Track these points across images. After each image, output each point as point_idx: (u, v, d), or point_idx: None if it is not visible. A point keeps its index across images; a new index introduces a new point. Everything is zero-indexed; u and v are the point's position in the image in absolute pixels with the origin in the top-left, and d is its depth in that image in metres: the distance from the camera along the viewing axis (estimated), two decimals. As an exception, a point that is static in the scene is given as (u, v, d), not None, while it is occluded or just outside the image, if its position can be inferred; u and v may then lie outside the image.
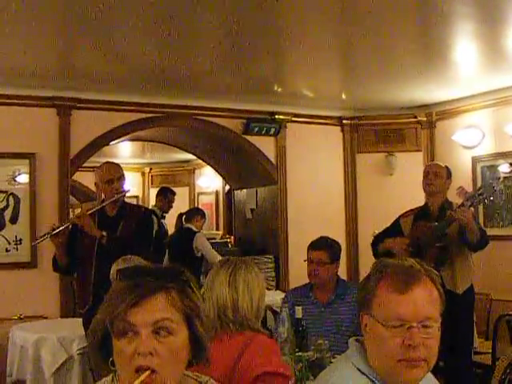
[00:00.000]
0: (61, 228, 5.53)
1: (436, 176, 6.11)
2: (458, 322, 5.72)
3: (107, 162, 6.09)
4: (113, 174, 5.78)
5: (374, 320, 2.17)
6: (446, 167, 6.30)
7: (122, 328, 1.84)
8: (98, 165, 5.98)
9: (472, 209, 5.66)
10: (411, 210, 6.30)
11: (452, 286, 5.77)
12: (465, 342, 5.84)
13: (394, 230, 6.21)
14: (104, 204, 5.70)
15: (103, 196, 5.84)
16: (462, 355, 5.75)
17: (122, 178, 5.83)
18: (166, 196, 9.99)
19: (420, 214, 6.14)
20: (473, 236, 5.62)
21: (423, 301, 2.13)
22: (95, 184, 5.95)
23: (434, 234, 5.80)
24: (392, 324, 2.11)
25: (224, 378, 3.04)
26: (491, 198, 5.80)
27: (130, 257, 4.84)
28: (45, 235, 5.59)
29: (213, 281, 3.39)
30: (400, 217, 6.29)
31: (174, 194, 10.13)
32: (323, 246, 5.14)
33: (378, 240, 6.37)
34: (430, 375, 2.34)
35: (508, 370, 3.84)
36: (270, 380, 3.04)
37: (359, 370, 2.20)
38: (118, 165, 6.01)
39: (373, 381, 2.18)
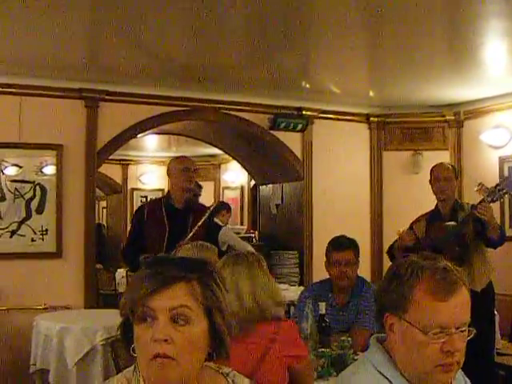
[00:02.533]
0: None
1: (447, 181, 6.10)
2: (478, 321, 5.67)
3: (182, 155, 6.72)
4: (190, 164, 6.27)
5: (407, 324, 2.14)
6: (453, 167, 6.30)
7: (142, 313, 1.87)
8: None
9: (492, 205, 5.60)
10: (422, 215, 6.27)
11: (471, 285, 5.71)
12: (486, 341, 5.76)
13: None
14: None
15: (176, 184, 6.23)
16: (483, 354, 5.66)
17: (196, 170, 6.39)
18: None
19: (432, 218, 6.12)
20: (495, 232, 5.60)
21: (462, 307, 2.14)
22: (168, 173, 6.40)
23: (452, 234, 5.75)
24: (433, 331, 2.09)
25: (257, 362, 3.31)
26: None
27: (202, 243, 4.84)
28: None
29: (236, 280, 3.49)
30: (412, 224, 6.28)
31: (200, 187, 10.12)
32: (349, 246, 4.99)
33: (391, 246, 6.36)
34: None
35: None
36: (302, 361, 3.48)
37: (380, 373, 2.18)
38: (193, 160, 6.53)
39: (392, 382, 2.16)
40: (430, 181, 6.23)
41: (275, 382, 3.38)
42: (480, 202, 5.60)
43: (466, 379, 2.46)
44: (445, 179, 6.11)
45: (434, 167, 6.35)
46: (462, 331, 2.11)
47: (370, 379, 2.17)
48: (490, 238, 5.65)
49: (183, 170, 6.15)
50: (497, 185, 5.62)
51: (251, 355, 3.31)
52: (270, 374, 3.35)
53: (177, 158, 6.47)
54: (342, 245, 5.01)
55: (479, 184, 5.91)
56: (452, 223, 5.82)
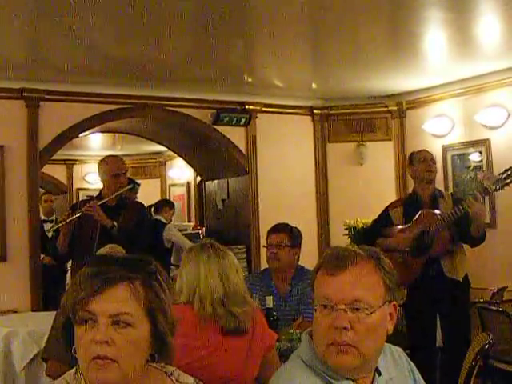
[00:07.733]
0: (74, 217, 5.98)
1: (434, 162, 6.03)
2: (460, 308, 5.76)
3: (112, 156, 6.66)
4: (120, 169, 6.28)
5: (314, 304, 2.19)
6: None
7: (83, 316, 1.85)
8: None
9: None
10: (398, 200, 6.23)
11: (453, 274, 5.76)
12: (466, 327, 5.84)
13: (384, 221, 6.11)
14: (112, 197, 6.17)
15: (108, 188, 6.27)
16: (463, 340, 5.66)
17: (126, 172, 6.38)
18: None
19: (410, 203, 6.05)
20: (477, 231, 5.63)
21: (354, 283, 2.12)
22: (99, 174, 6.46)
23: (448, 224, 5.68)
24: (320, 303, 2.13)
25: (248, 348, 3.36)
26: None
27: (116, 246, 4.89)
28: (61, 222, 6.01)
29: (205, 275, 3.44)
30: (388, 208, 6.20)
31: (137, 184, 10.05)
32: (283, 229, 5.13)
33: (370, 233, 6.34)
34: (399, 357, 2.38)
35: (478, 357, 3.86)
36: (272, 349, 3.56)
37: (305, 364, 2.19)
38: (122, 159, 6.54)
39: (316, 371, 2.16)
40: (412, 164, 6.09)
41: (254, 374, 3.39)
42: (484, 190, 5.58)
43: (411, 364, 2.47)
44: (432, 160, 6.03)
45: (415, 152, 6.28)
46: (355, 309, 2.09)
47: (296, 373, 2.18)
48: (470, 235, 5.67)
49: (114, 176, 6.21)
50: (503, 172, 5.55)
51: (239, 353, 3.34)
52: (253, 367, 3.38)
53: (107, 160, 6.44)
54: (276, 228, 5.20)
55: (483, 171, 5.82)
56: (449, 212, 5.67)
